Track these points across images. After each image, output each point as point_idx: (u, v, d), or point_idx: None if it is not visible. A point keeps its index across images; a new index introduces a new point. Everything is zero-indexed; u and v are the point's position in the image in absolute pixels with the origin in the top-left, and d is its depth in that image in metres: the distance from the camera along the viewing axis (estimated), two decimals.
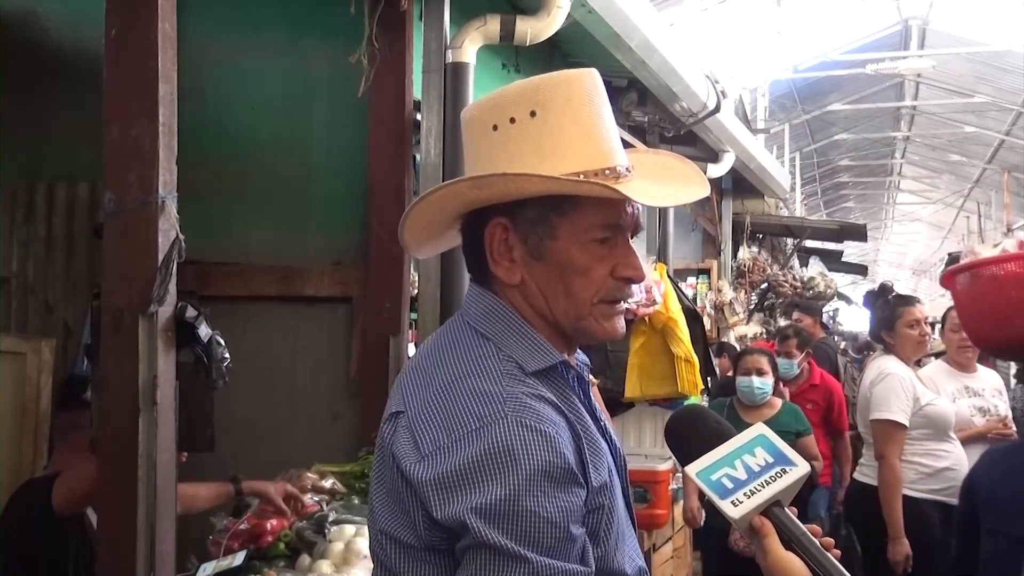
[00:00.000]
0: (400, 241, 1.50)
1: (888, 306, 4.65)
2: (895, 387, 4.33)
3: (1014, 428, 4.82)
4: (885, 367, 4.46)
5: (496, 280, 1.42)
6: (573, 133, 1.37)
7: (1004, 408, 4.75)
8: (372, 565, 1.41)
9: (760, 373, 5.01)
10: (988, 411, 4.71)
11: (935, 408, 4.34)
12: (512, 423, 1.25)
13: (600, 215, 1.37)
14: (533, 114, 1.37)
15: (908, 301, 4.70)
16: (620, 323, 1.43)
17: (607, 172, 1.37)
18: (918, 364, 4.80)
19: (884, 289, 4.85)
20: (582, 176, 1.35)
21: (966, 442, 4.51)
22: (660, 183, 1.45)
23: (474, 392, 1.29)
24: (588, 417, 1.40)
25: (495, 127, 1.38)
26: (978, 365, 4.86)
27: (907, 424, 4.29)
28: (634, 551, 1.42)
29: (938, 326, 4.97)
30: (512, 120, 1.37)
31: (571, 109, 1.38)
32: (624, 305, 1.44)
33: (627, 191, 1.35)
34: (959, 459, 4.30)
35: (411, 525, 1.28)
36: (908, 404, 4.30)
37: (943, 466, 4.30)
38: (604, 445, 1.39)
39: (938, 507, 4.23)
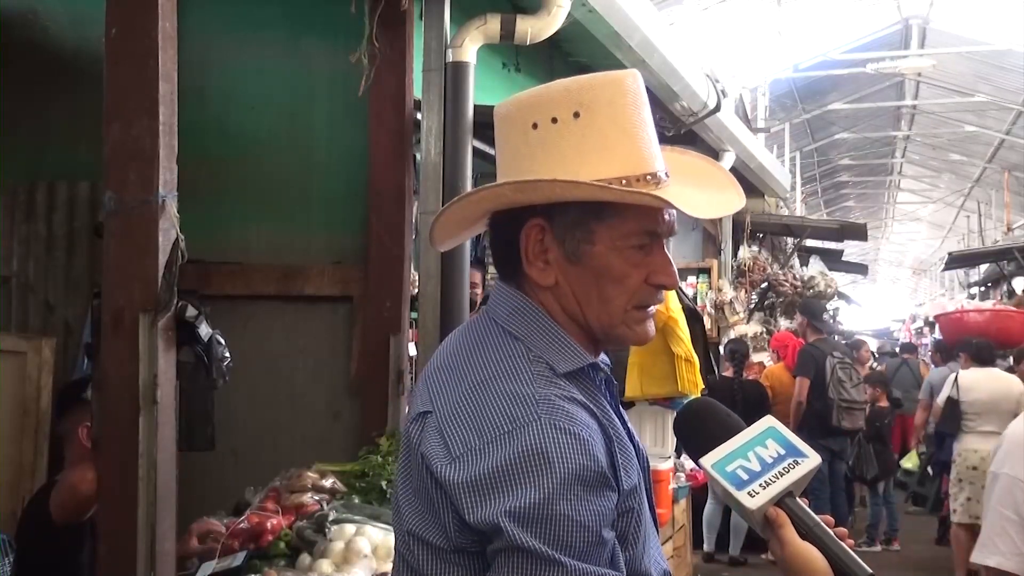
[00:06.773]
0: (429, 237, 1.49)
1: None
2: None
3: None
4: None
5: (528, 280, 1.39)
6: (616, 136, 1.35)
7: None
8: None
9: None
10: None
11: None
12: (545, 425, 1.23)
13: (640, 222, 1.35)
14: (576, 115, 1.34)
15: None
16: (651, 327, 1.42)
17: (648, 178, 1.35)
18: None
19: None
20: (624, 181, 1.33)
21: None
22: (696, 188, 1.43)
23: (506, 393, 1.27)
24: (617, 419, 1.38)
25: (535, 125, 1.36)
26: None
27: None
28: (658, 553, 1.41)
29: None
30: (554, 120, 1.34)
31: (614, 112, 1.35)
32: (653, 309, 1.43)
33: (671, 198, 1.33)
34: None
35: (440, 526, 1.27)
36: None
37: None
38: (631, 447, 1.38)
39: None
